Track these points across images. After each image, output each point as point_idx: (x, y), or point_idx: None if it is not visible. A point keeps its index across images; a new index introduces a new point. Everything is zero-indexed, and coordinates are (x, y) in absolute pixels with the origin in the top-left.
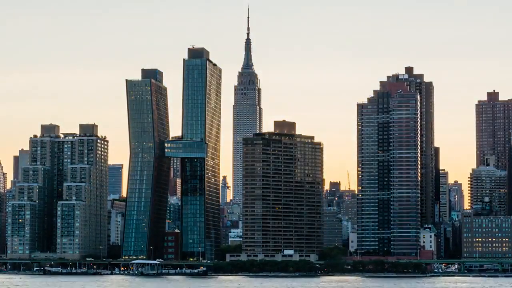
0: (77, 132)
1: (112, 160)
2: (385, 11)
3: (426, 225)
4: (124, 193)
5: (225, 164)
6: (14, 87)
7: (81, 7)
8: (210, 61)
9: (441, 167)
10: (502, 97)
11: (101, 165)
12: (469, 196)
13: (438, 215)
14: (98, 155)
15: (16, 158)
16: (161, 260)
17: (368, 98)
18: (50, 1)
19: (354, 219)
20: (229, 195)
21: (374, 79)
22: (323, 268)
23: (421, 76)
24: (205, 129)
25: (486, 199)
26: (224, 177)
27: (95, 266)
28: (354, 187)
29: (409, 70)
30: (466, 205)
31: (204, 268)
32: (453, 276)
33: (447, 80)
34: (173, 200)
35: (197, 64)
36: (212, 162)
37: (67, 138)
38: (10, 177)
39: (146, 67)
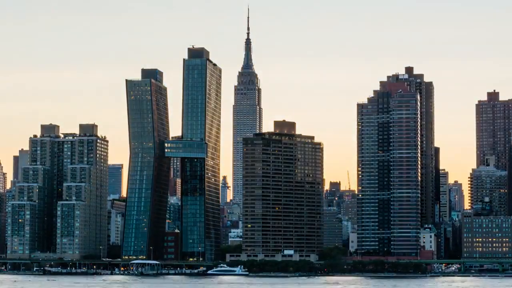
0: (77, 132)
1: (112, 160)
2: (385, 11)
3: (426, 225)
4: (124, 193)
5: (225, 164)
6: (14, 87)
7: (81, 7)
8: (210, 61)
9: (441, 167)
10: (502, 97)
11: (101, 165)
12: (469, 196)
13: (438, 215)
14: (98, 155)
15: (16, 158)
16: (159, 261)
17: (368, 98)
18: (50, 1)
19: (354, 219)
20: (229, 195)
21: (374, 79)
22: (323, 268)
23: (421, 76)
24: (205, 129)
25: (486, 199)
26: (224, 177)
27: (95, 266)
28: (354, 187)
29: (409, 70)
30: (466, 205)
31: (204, 268)
32: (453, 276)
33: (447, 80)
34: (173, 200)
35: (197, 64)
36: (212, 162)
37: (67, 138)
38: (10, 177)
39: (146, 67)
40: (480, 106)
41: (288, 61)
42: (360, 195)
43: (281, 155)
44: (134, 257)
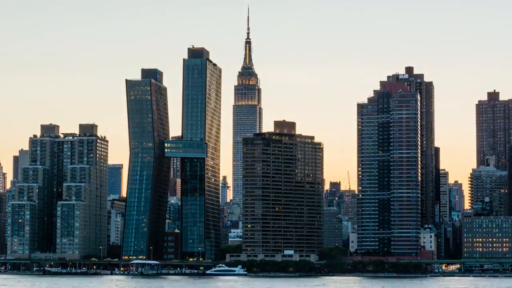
0: (77, 132)
1: (112, 160)
2: (385, 11)
3: (426, 225)
4: (124, 193)
5: (225, 164)
6: (14, 87)
7: (81, 7)
8: (210, 61)
9: (441, 167)
10: (502, 97)
11: (101, 165)
12: (469, 196)
13: (438, 215)
14: (98, 155)
15: (16, 158)
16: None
17: (368, 98)
18: (50, 1)
19: (354, 219)
20: (229, 195)
21: (374, 79)
22: (323, 268)
23: (421, 76)
24: (205, 129)
25: (487, 199)
26: (224, 177)
27: (95, 266)
28: (354, 187)
29: (409, 70)
30: (467, 205)
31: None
32: (453, 276)
33: (447, 80)
34: (173, 200)
35: (197, 64)
36: (212, 162)
37: (67, 138)
38: (10, 177)
39: (146, 67)
40: (480, 106)
41: (288, 61)
42: (360, 195)
43: (281, 155)
44: (134, 257)
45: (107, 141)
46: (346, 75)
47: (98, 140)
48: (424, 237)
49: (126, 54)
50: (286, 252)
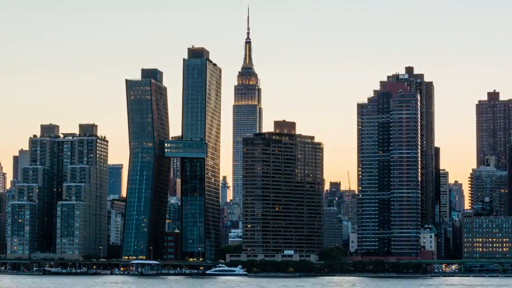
0: (77, 132)
1: (112, 160)
2: (385, 11)
3: (426, 225)
4: (124, 193)
5: (225, 164)
6: (14, 87)
7: (81, 7)
8: (210, 61)
9: (441, 167)
10: (502, 97)
11: (101, 165)
12: (469, 196)
13: (438, 215)
14: (98, 155)
15: (15, 158)
16: (159, 261)
17: (368, 98)
18: (50, 1)
19: (354, 219)
20: (229, 195)
21: (374, 79)
22: (323, 268)
23: (421, 76)
24: (205, 129)
25: (487, 199)
26: (224, 177)
27: (94, 267)
28: (354, 187)
29: (409, 70)
30: (467, 205)
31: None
32: (454, 276)
33: (447, 80)
34: (173, 200)
35: (197, 64)
36: (212, 162)
37: (67, 138)
38: (9, 177)
39: (146, 67)
40: (480, 106)
41: (288, 61)
42: (360, 195)
43: (281, 155)
44: (134, 257)
45: (107, 141)
46: (346, 75)
47: (98, 140)
48: (424, 237)
49: (126, 54)
50: (286, 252)
